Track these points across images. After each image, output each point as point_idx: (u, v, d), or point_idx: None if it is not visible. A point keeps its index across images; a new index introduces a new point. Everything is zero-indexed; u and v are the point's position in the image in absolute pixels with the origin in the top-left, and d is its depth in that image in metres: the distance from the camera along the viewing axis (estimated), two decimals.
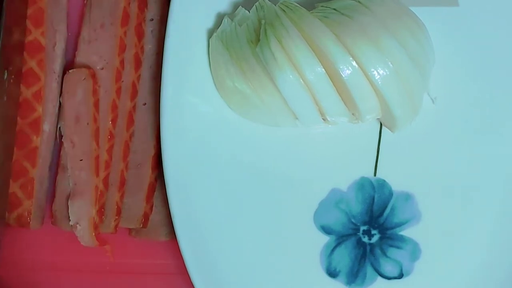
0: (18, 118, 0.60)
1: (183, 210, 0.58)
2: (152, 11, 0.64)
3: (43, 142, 0.60)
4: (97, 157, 0.59)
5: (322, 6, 0.57)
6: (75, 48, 0.62)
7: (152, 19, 0.64)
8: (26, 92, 0.60)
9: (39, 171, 0.60)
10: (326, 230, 0.59)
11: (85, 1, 0.63)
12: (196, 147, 0.59)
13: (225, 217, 0.59)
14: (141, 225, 0.61)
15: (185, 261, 0.58)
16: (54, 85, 0.61)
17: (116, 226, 0.60)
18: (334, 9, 0.56)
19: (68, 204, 0.59)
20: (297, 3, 0.57)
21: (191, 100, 0.59)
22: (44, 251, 0.61)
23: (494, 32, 0.60)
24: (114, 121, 0.61)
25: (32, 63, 0.60)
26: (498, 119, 0.60)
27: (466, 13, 0.61)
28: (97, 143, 0.60)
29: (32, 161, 0.60)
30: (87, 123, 0.60)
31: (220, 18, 0.60)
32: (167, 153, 0.58)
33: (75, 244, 0.59)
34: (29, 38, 0.61)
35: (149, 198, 0.61)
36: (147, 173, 0.61)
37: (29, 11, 0.61)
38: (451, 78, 0.60)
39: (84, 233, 0.59)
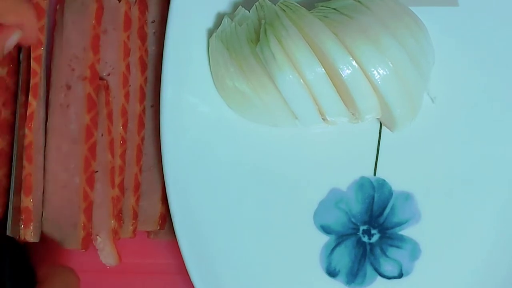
0: None
1: (183, 210, 0.58)
2: (153, 12, 0.64)
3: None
4: (112, 168, 0.59)
5: (322, 6, 0.57)
6: None
7: (153, 21, 0.64)
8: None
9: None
10: (326, 229, 0.59)
11: None
12: (196, 147, 0.59)
13: (225, 217, 0.59)
14: (159, 227, 0.61)
15: (185, 261, 0.57)
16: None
17: (134, 230, 0.60)
18: (334, 8, 0.56)
19: None
20: (297, 3, 0.57)
21: (191, 100, 0.59)
22: (43, 250, 0.60)
23: (494, 32, 0.60)
24: (124, 126, 0.61)
25: None
26: (498, 119, 0.60)
27: (466, 13, 0.61)
28: (112, 154, 0.60)
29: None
30: (101, 135, 0.60)
31: (220, 18, 0.60)
32: (167, 153, 0.58)
33: None
34: None
35: (164, 199, 0.60)
36: (160, 175, 0.60)
37: None
38: (451, 78, 0.60)
39: (104, 245, 0.59)
